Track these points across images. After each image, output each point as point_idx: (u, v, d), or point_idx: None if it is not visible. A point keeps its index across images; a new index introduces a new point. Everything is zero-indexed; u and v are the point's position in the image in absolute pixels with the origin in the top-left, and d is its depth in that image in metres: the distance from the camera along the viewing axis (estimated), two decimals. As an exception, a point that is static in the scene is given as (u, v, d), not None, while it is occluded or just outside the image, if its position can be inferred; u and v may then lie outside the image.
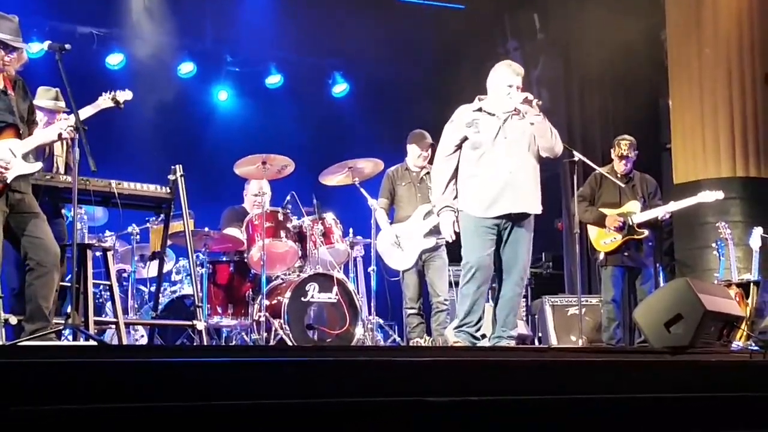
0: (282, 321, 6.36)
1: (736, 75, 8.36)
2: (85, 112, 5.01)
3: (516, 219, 5.29)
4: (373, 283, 7.00)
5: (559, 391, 3.23)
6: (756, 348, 4.89)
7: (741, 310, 5.86)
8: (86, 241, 6.02)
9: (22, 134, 4.74)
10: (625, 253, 6.84)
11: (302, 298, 6.49)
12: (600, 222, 6.90)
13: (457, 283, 5.82)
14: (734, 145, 8.31)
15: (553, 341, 7.72)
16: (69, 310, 4.87)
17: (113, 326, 5.69)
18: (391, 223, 6.85)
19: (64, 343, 4.83)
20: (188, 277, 6.83)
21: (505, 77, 5.35)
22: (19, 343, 4.46)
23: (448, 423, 2.93)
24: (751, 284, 7.02)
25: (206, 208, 7.43)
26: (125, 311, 6.52)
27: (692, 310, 4.53)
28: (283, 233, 6.75)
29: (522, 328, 7.44)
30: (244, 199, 7.46)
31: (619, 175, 6.93)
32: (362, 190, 6.86)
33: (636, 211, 6.84)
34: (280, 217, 6.77)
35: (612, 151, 7.09)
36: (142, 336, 6.76)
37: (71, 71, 4.78)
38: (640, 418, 3.25)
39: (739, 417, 3.40)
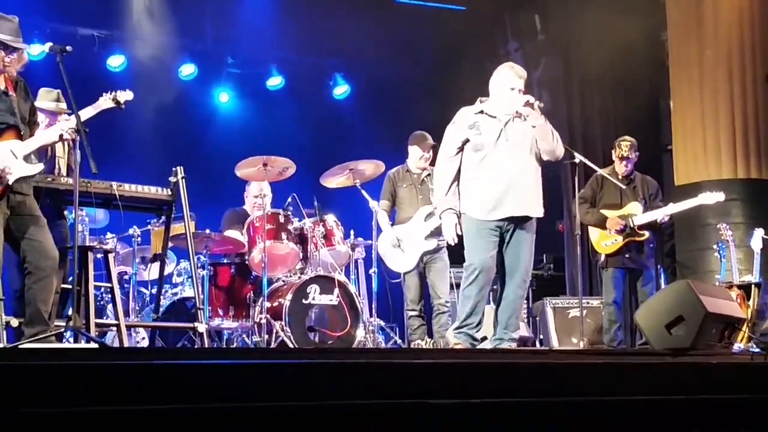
0: (283, 323, 6.35)
1: (737, 75, 8.35)
2: (86, 113, 4.99)
3: (518, 221, 5.28)
4: (374, 285, 6.97)
5: (560, 393, 3.24)
6: (757, 350, 4.86)
7: (742, 312, 5.87)
8: (87, 244, 6.02)
9: (23, 135, 4.73)
10: (626, 255, 6.83)
11: (303, 300, 6.48)
12: (601, 224, 6.89)
13: (458, 285, 5.81)
14: (735, 147, 8.30)
15: (555, 343, 7.71)
16: (70, 312, 4.87)
17: (114, 328, 5.69)
18: (392, 225, 6.84)
19: (66, 345, 4.84)
20: (189, 279, 6.83)
21: (507, 80, 5.34)
22: (20, 346, 4.46)
23: (450, 425, 2.94)
24: (753, 286, 7.02)
25: (207, 210, 7.42)
26: (126, 313, 6.52)
27: (693, 311, 4.53)
28: (284, 235, 6.74)
29: (523, 330, 7.44)
30: (245, 201, 7.46)
31: (620, 177, 6.91)
32: (363, 191, 6.85)
33: (637, 213, 6.83)
34: (281, 219, 6.77)
35: (613, 152, 7.08)
36: (144, 338, 6.76)
37: (72, 73, 4.77)
38: (642, 419, 3.25)
39: (740, 419, 3.40)
